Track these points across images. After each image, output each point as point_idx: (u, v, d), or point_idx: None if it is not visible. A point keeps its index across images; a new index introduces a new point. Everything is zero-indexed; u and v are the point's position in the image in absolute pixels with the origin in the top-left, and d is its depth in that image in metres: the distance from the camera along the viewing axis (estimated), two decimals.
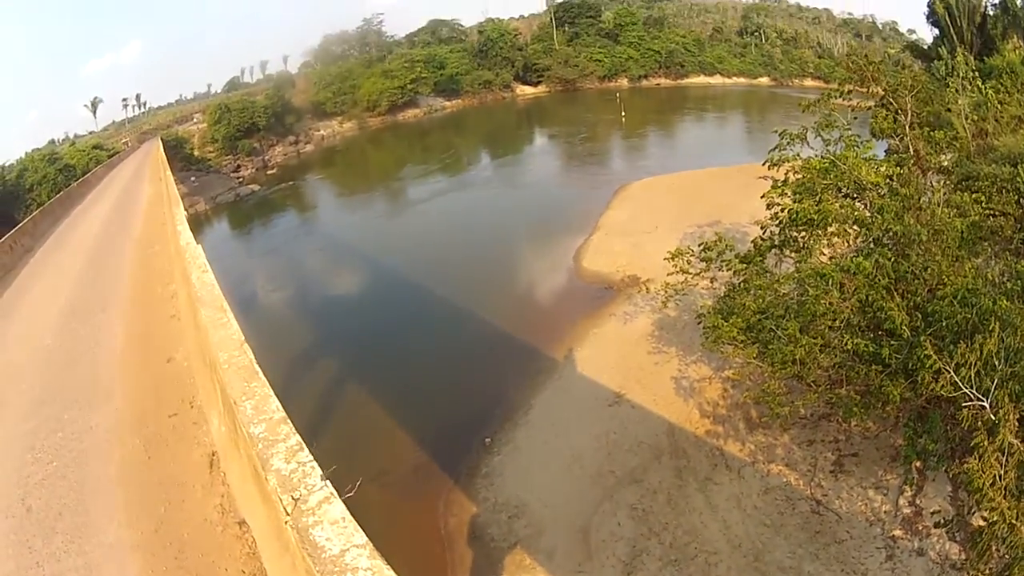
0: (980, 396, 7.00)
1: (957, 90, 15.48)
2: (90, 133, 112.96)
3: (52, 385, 8.17)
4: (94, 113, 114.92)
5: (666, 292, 13.18)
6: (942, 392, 7.49)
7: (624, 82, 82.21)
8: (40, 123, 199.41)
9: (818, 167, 11.33)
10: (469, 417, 14.10)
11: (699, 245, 12.26)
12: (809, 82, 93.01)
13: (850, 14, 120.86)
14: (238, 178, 52.78)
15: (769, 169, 11.96)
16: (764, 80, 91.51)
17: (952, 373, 7.21)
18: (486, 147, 52.90)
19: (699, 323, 11.85)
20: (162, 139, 52.29)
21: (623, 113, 56.80)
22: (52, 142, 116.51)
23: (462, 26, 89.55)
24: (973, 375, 7.07)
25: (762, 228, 11.83)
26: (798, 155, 11.84)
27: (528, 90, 79.95)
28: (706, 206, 23.61)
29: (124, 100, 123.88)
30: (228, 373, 4.59)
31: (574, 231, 24.55)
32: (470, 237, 27.56)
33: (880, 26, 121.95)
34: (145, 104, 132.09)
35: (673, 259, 12.45)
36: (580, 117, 60.93)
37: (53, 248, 20.18)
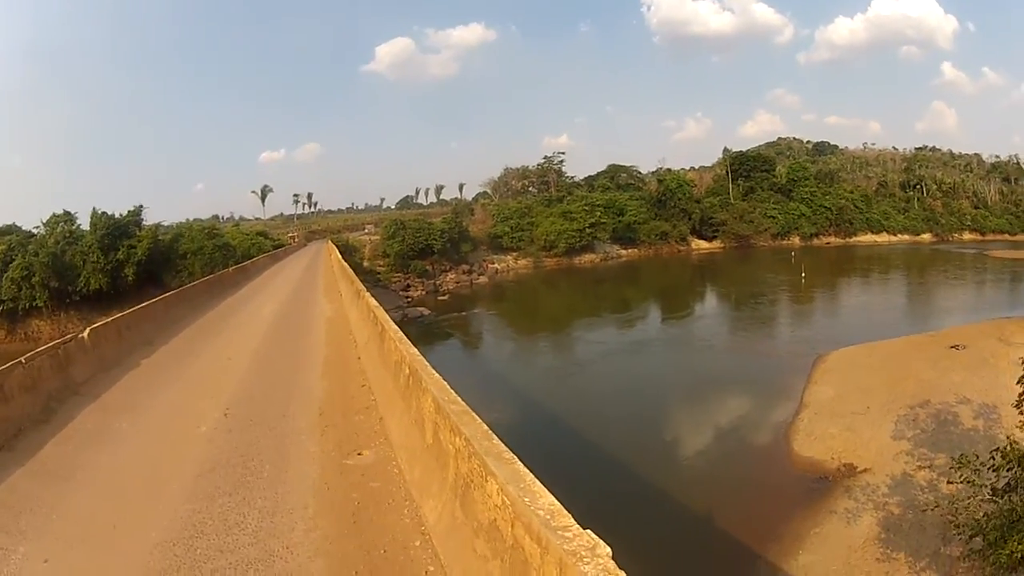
0: None
1: None
2: (256, 219, 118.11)
3: None
4: (262, 200, 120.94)
5: (950, 504, 12.07)
6: None
7: (796, 240, 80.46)
8: (205, 196, 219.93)
9: None
10: None
11: (992, 452, 10.88)
12: (967, 235, 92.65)
13: (997, 157, 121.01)
14: (407, 297, 52.45)
15: None
16: (926, 236, 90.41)
17: None
18: (663, 303, 50.30)
19: (961, 536, 10.58)
20: (333, 243, 52.42)
21: (803, 274, 53.83)
22: (216, 217, 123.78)
23: (640, 173, 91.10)
24: None
25: None
26: None
27: (703, 244, 79.39)
28: (910, 383, 22.73)
29: (296, 196, 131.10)
30: None
31: (775, 407, 22.31)
32: (654, 407, 24.11)
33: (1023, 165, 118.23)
34: (316, 204, 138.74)
35: (959, 469, 11.37)
36: (757, 276, 57.83)
37: (179, 360, 13.61)
